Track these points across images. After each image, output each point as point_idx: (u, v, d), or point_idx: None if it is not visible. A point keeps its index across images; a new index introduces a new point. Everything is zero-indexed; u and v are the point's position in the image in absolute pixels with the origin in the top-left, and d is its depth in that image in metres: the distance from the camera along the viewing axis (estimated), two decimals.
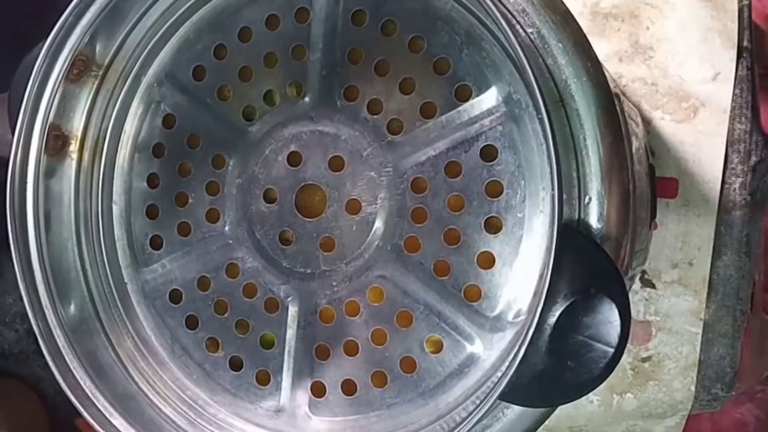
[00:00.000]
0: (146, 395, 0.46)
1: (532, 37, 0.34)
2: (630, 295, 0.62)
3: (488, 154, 0.38)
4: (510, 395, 0.33)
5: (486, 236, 0.39)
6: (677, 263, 0.62)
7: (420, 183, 0.40)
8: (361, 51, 0.41)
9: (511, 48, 0.32)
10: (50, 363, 0.43)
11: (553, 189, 0.32)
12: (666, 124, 0.62)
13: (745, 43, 0.61)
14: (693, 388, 0.63)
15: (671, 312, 0.62)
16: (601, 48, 0.63)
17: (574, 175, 0.33)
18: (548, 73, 0.34)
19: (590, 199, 0.33)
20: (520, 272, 0.38)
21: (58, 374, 0.43)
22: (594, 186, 0.33)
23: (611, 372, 0.32)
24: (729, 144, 0.61)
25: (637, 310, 0.63)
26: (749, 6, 0.62)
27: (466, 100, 0.39)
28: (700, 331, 0.62)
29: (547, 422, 0.36)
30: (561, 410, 0.64)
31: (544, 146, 0.32)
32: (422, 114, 0.40)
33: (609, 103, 0.34)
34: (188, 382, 0.46)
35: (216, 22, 0.45)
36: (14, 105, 0.44)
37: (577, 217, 0.33)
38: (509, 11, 0.35)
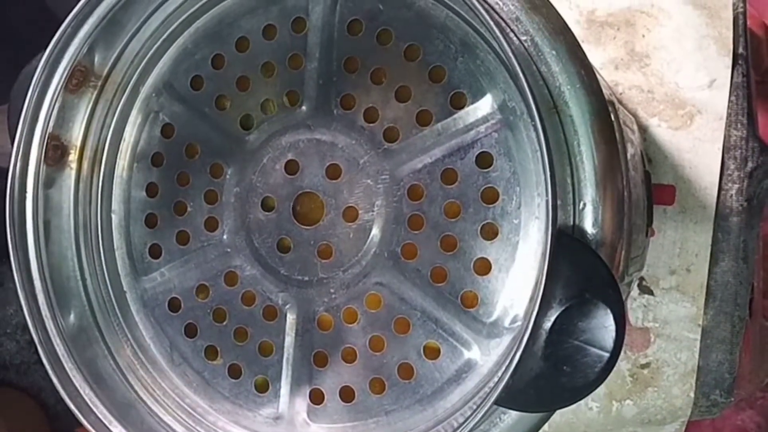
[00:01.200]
0: (145, 403, 0.46)
1: (525, 44, 0.35)
2: (628, 302, 0.62)
3: (484, 161, 0.39)
4: (507, 400, 0.33)
5: (482, 242, 0.39)
6: (675, 270, 0.62)
7: (416, 190, 0.40)
8: (357, 60, 0.42)
9: (505, 56, 0.33)
10: (50, 372, 0.43)
11: (547, 195, 0.32)
12: (662, 131, 0.62)
13: (741, 50, 0.62)
14: (692, 395, 0.63)
15: (669, 318, 0.62)
16: (597, 56, 0.63)
17: (569, 181, 0.34)
18: (542, 80, 0.34)
19: (585, 204, 0.34)
20: (516, 278, 0.38)
21: (57, 383, 0.43)
22: (588, 192, 0.34)
23: (607, 376, 0.32)
24: (725, 150, 0.61)
25: (635, 317, 0.63)
26: (744, 13, 0.62)
27: (462, 107, 0.39)
28: (699, 338, 0.62)
29: (546, 428, 0.36)
30: (560, 417, 0.64)
31: (539, 153, 0.32)
32: (418, 122, 0.40)
33: (603, 109, 0.34)
34: (187, 390, 0.47)
35: (214, 33, 0.46)
36: (14, 116, 0.45)
37: (572, 222, 0.34)
38: (503, 19, 0.35)
